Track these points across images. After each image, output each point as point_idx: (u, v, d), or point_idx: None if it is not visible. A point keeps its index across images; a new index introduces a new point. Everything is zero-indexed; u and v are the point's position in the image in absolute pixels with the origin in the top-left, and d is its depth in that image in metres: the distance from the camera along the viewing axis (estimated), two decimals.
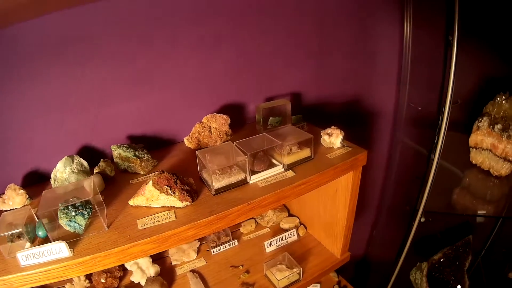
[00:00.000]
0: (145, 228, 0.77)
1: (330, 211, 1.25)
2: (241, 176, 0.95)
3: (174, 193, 0.84)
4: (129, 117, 1.12)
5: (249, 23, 1.19)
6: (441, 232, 1.74)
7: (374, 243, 2.00)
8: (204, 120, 1.13)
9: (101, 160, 1.00)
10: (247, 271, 1.27)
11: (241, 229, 1.42)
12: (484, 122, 1.35)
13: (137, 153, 1.01)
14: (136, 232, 0.76)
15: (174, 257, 1.32)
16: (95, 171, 0.97)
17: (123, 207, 0.85)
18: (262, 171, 0.98)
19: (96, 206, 0.76)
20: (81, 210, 0.72)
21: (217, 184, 0.91)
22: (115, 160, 1.03)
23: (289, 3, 1.24)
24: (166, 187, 0.84)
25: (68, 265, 0.70)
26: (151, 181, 0.84)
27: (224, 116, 1.13)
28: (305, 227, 1.40)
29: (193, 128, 1.12)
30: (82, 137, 1.07)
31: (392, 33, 1.51)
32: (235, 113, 1.26)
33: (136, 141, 1.13)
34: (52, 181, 0.92)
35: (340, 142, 1.08)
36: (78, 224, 0.71)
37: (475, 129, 1.41)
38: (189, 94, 1.19)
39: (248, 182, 0.95)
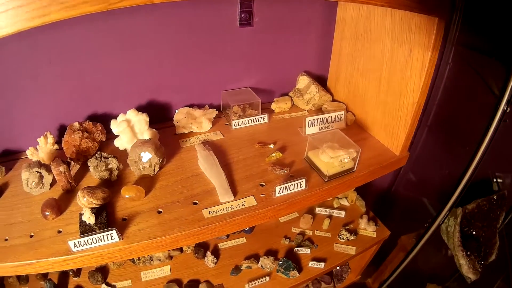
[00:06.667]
0: None
1: (395, 86, 0.93)
2: None
3: None
4: None
5: None
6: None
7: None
8: None
9: None
10: (281, 150, 0.92)
11: (272, 106, 1.07)
12: None
13: None
14: None
15: (181, 123, 0.95)
16: None
17: None
18: None
19: None
20: None
21: None
22: None
23: None
24: None
25: None
26: None
27: None
28: (354, 116, 1.07)
29: None
30: None
31: None
32: None
33: None
34: None
35: None
36: None
37: None
38: None
39: None
